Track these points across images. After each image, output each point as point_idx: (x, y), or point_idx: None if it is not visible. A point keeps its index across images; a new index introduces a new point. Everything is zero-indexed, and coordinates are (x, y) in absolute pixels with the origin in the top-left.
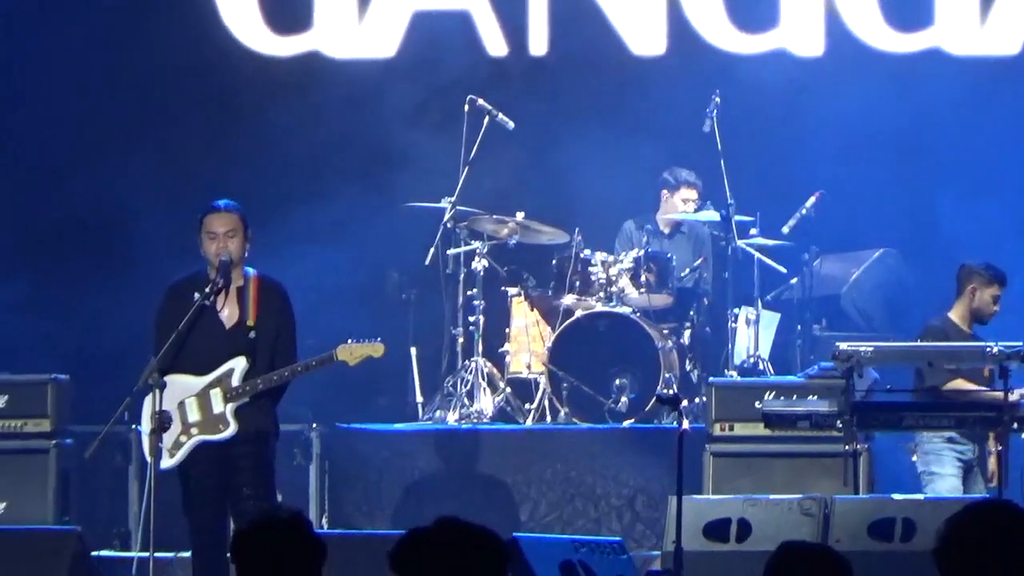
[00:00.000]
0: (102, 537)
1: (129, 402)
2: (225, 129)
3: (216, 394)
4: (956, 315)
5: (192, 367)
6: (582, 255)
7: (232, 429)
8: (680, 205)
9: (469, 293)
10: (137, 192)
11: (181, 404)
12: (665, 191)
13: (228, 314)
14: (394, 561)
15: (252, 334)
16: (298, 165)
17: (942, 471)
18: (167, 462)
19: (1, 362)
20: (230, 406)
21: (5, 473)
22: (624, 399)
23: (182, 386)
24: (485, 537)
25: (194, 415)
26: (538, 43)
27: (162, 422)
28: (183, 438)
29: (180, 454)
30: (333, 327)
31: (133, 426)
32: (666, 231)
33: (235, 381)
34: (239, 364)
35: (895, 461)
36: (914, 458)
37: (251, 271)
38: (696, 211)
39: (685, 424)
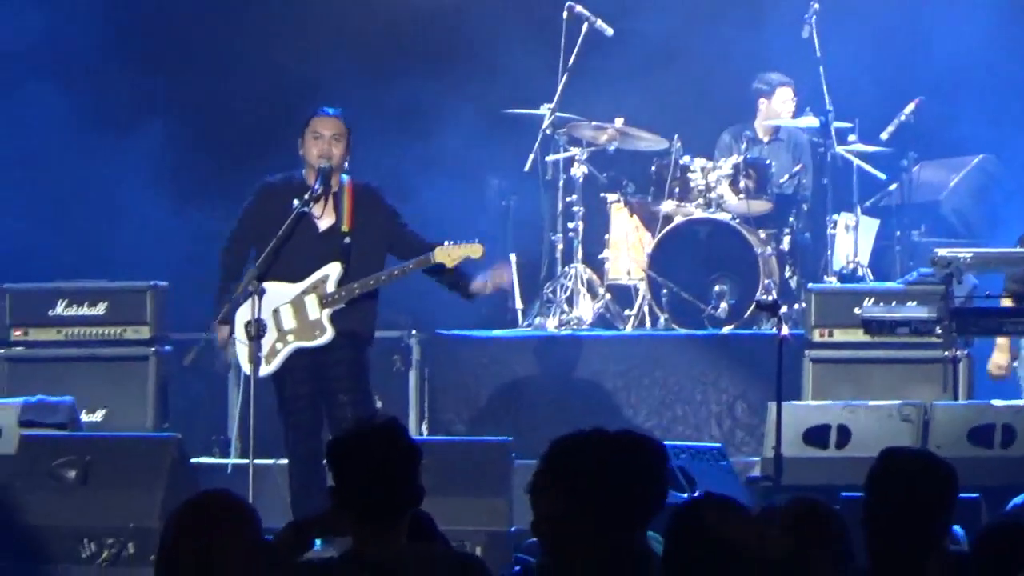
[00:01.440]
0: (201, 444)
1: (228, 309)
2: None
3: (311, 300)
4: None
5: (286, 274)
6: (681, 161)
7: (329, 334)
8: (781, 107)
9: (568, 199)
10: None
11: (276, 311)
12: (763, 99)
13: (323, 220)
14: (551, 468)
15: (347, 240)
16: (398, 74)
17: None
18: (264, 369)
19: (100, 268)
20: (326, 312)
21: (105, 380)
22: (724, 305)
23: (276, 293)
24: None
25: (290, 322)
26: None
27: (258, 330)
28: (279, 345)
29: (277, 361)
30: (432, 235)
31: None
32: (765, 139)
33: (330, 287)
34: (334, 270)
35: None
36: (1015, 364)
37: (346, 177)
38: (795, 117)
39: (784, 330)
